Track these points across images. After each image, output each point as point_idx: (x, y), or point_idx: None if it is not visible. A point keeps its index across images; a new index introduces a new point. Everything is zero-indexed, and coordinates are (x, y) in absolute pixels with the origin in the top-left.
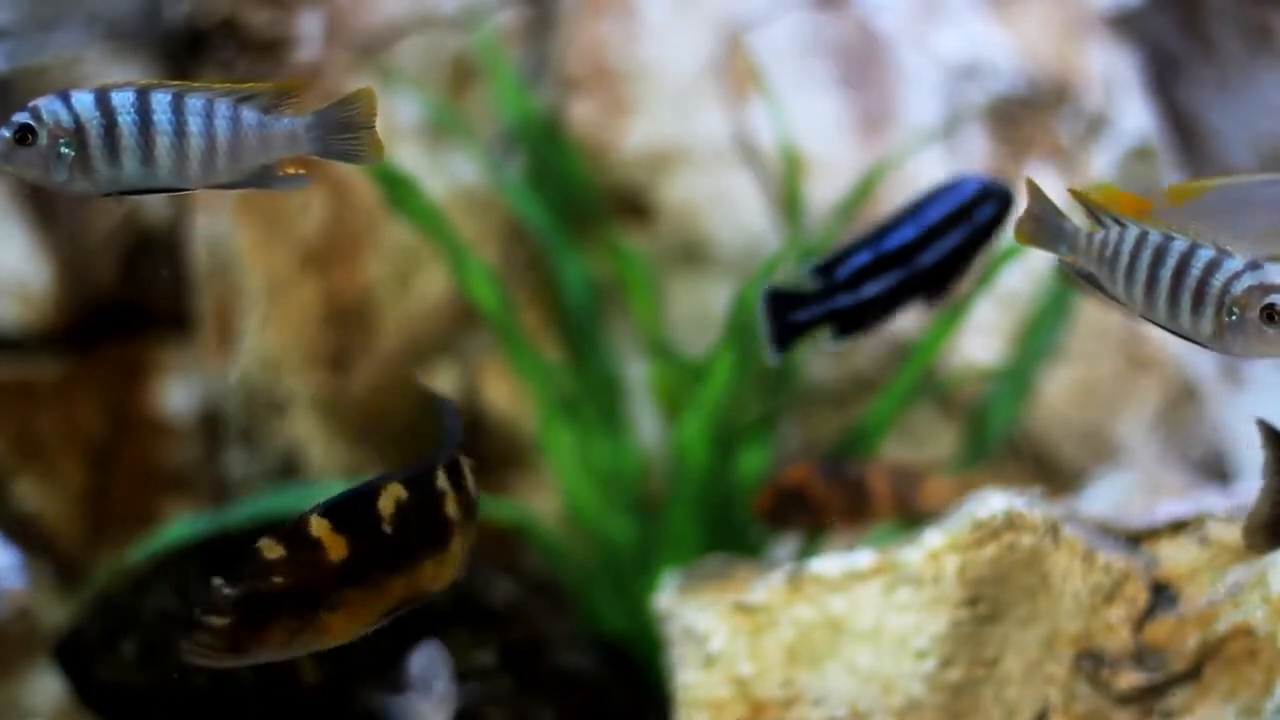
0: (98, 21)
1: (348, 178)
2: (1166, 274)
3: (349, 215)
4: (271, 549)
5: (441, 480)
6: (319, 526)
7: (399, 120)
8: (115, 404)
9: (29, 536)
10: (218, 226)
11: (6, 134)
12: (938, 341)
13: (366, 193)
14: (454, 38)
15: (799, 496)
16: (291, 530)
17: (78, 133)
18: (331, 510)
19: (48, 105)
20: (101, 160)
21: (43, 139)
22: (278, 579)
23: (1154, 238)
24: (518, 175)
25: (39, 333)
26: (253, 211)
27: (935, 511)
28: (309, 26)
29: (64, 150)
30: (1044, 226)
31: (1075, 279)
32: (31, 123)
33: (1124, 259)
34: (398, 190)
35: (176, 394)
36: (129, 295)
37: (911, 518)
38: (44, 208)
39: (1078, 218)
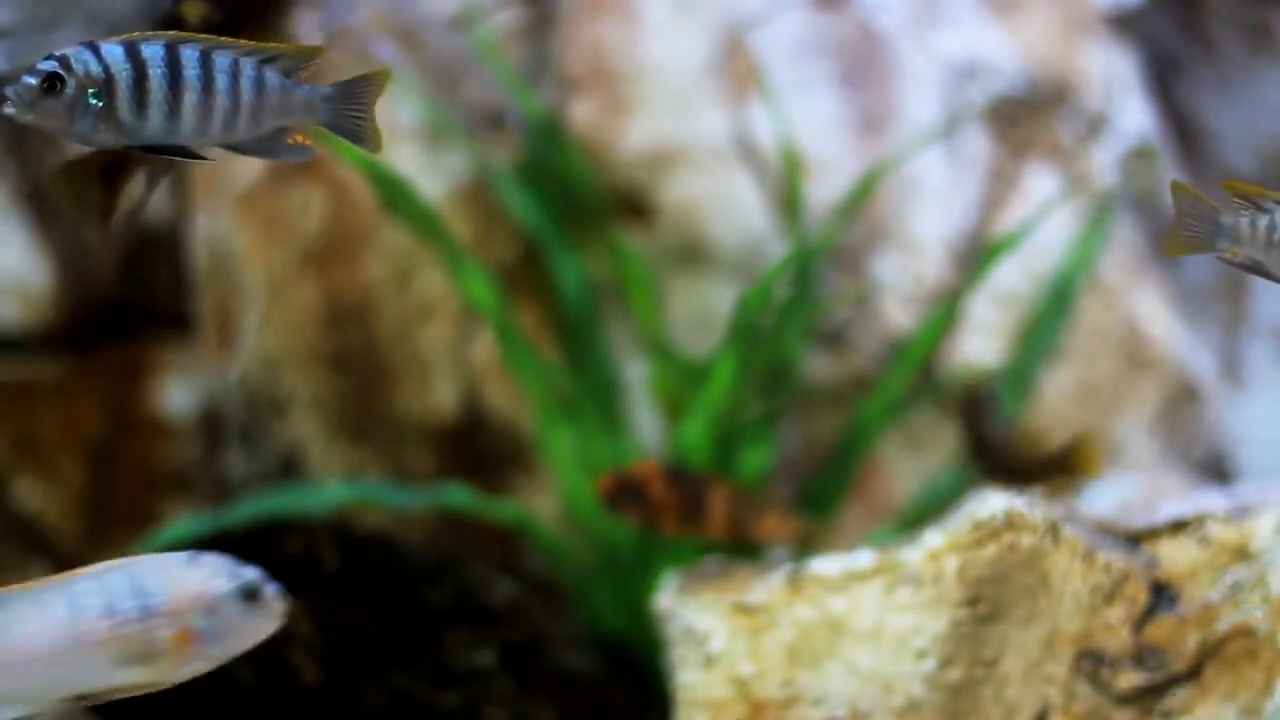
0: (98, 21)
1: (347, 178)
2: None
3: (349, 215)
4: None
5: None
6: None
7: (398, 120)
8: (115, 404)
9: (29, 536)
10: (218, 226)
11: (33, 82)
12: (930, 339)
13: (366, 193)
14: (454, 38)
15: (637, 490)
16: None
17: (107, 83)
18: None
19: (77, 54)
20: (128, 113)
21: (70, 88)
22: None
23: None
24: (517, 175)
25: (39, 333)
26: (253, 211)
27: (768, 544)
28: (309, 27)
29: (92, 101)
30: (1200, 228)
31: (1239, 268)
32: (61, 71)
33: None
34: (393, 192)
35: (176, 394)
36: (129, 295)
37: (745, 545)
38: (44, 207)
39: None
